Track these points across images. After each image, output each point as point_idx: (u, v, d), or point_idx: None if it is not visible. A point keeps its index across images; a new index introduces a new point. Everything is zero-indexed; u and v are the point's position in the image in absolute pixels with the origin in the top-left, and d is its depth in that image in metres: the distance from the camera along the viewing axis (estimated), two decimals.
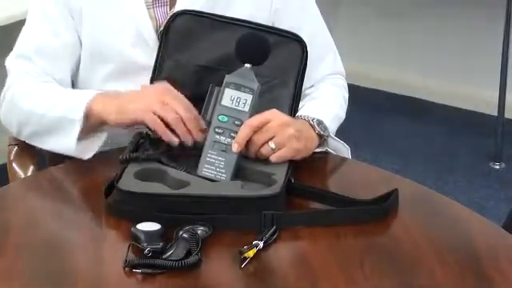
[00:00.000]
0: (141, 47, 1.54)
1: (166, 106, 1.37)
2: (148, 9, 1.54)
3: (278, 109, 1.41)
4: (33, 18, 1.58)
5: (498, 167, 3.27)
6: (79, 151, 1.44)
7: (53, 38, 1.55)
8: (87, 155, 1.44)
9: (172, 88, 1.42)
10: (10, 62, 1.58)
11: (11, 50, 1.59)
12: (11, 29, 1.94)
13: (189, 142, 1.37)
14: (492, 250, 1.23)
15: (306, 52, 1.49)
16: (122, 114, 1.40)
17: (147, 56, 1.52)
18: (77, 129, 1.42)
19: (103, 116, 1.42)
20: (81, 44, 1.57)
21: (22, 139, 1.55)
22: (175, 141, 1.37)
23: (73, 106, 1.44)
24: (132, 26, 1.53)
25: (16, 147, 1.64)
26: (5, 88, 1.55)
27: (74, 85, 1.62)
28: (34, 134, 1.51)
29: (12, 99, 1.53)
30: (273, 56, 1.42)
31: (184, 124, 1.37)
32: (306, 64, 1.50)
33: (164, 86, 1.43)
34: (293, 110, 1.49)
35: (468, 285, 1.15)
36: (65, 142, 1.45)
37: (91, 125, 1.44)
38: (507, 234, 1.27)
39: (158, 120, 1.36)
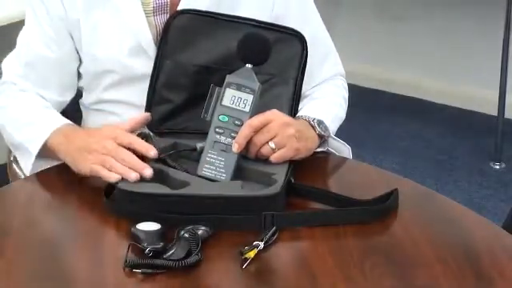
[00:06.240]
0: (140, 57, 1.53)
1: (108, 161, 1.33)
2: (148, 17, 1.53)
3: (277, 107, 1.41)
4: (29, 26, 1.58)
5: (497, 167, 3.28)
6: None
7: (46, 50, 1.56)
8: None
9: (116, 130, 1.38)
10: (3, 64, 1.61)
11: (9, 50, 1.59)
12: (10, 29, 1.94)
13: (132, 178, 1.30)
14: (492, 250, 1.23)
15: (306, 48, 1.49)
16: (75, 169, 1.40)
17: (147, 65, 1.51)
18: (32, 159, 1.47)
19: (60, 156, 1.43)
20: (77, 57, 1.58)
21: None
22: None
23: (33, 137, 1.47)
24: (131, 37, 1.52)
25: None
26: None
27: (80, 91, 1.65)
28: (8, 142, 1.58)
29: None
30: (273, 53, 1.42)
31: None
32: (306, 60, 1.50)
33: (109, 131, 1.38)
34: (293, 110, 1.49)
35: (468, 285, 1.15)
36: (23, 164, 1.51)
37: (49, 155, 1.47)
38: (507, 234, 1.27)
39: (105, 171, 1.33)
